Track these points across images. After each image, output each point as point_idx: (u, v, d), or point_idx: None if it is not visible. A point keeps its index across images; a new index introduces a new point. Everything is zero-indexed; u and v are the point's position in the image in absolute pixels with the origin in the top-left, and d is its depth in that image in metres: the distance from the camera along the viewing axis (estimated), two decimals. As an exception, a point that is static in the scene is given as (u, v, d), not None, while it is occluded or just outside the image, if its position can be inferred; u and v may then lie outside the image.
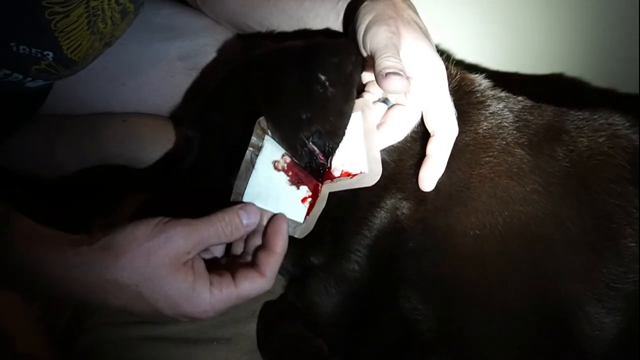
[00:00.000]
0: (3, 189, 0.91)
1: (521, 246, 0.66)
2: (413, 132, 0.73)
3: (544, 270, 0.65)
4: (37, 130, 0.96)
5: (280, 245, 0.63)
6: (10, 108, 0.88)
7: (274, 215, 0.65)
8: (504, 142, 0.71)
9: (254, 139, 0.66)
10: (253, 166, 0.66)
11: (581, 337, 0.63)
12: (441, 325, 0.65)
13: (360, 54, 0.70)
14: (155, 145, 0.91)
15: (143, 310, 0.59)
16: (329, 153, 0.65)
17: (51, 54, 0.74)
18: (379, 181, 0.68)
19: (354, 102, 0.67)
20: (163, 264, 0.57)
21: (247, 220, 0.62)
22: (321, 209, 0.66)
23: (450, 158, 0.69)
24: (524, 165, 0.69)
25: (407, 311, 0.66)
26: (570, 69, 1.16)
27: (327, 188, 0.67)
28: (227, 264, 0.66)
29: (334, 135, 0.65)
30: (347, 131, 0.66)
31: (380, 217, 0.69)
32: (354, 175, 0.67)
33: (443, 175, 0.69)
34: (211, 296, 0.60)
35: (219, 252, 0.67)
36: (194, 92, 0.95)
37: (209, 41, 0.96)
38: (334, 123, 0.65)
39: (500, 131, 0.72)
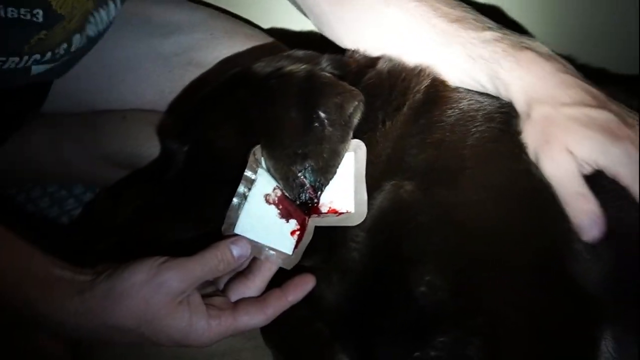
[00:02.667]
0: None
1: (517, 200, 0.68)
2: (411, 112, 0.74)
3: (539, 217, 0.68)
4: (41, 128, 0.99)
5: (295, 297, 0.67)
6: (13, 106, 0.90)
7: (304, 274, 0.69)
8: (485, 112, 0.73)
9: (247, 173, 0.69)
10: (245, 199, 0.68)
11: (574, 274, 0.65)
12: (451, 297, 0.66)
13: (363, 100, 0.72)
14: (154, 141, 0.93)
15: (147, 345, 0.64)
16: (319, 188, 0.68)
17: (40, 12, 0.74)
18: (374, 172, 0.71)
19: (349, 144, 0.70)
20: (161, 306, 0.61)
21: (238, 254, 0.65)
22: (308, 242, 0.69)
23: (444, 133, 0.72)
24: (505, 127, 0.72)
25: (414, 285, 0.67)
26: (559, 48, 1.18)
27: (313, 222, 0.69)
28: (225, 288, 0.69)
29: (325, 172, 0.68)
30: (338, 170, 0.69)
31: (381, 199, 0.71)
32: (341, 213, 0.70)
33: (442, 150, 0.71)
34: (209, 328, 0.63)
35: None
36: (190, 87, 0.97)
37: (205, 36, 0.98)
38: (327, 161, 0.68)
39: (480, 104, 0.75)
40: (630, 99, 0.74)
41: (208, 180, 0.76)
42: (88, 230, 0.96)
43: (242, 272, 0.69)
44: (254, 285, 0.67)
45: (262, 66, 0.78)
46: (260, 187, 0.68)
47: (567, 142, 0.65)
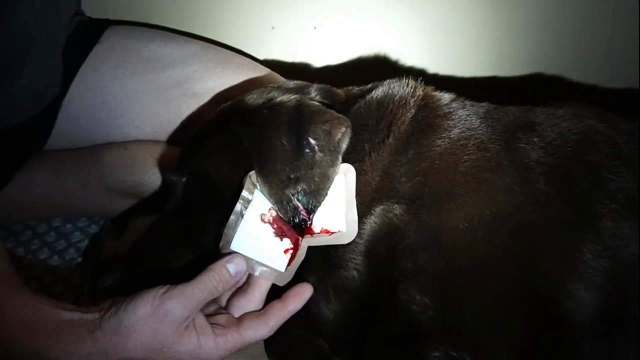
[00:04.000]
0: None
1: (507, 233, 0.71)
2: (398, 143, 0.77)
3: (529, 254, 0.70)
4: (43, 164, 1.02)
5: (295, 307, 0.71)
6: (16, 145, 0.94)
7: (301, 284, 0.72)
8: (478, 141, 0.76)
9: (244, 193, 0.72)
10: (242, 217, 0.71)
11: (565, 313, 0.67)
12: (439, 314, 0.69)
13: (350, 126, 0.76)
14: (155, 169, 0.97)
15: None
16: (311, 210, 0.71)
17: None
18: (364, 199, 0.74)
19: (338, 167, 0.73)
20: (168, 334, 0.64)
21: (234, 271, 0.69)
22: (300, 261, 0.72)
23: (434, 161, 0.75)
24: (500, 159, 0.75)
25: (406, 303, 0.70)
26: (549, 68, 1.20)
27: (306, 242, 0.72)
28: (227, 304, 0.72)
29: (317, 195, 0.71)
30: (329, 192, 0.72)
31: (370, 223, 0.74)
32: (333, 232, 0.73)
33: (431, 176, 0.74)
34: (217, 346, 0.66)
35: None
36: (188, 118, 1.00)
37: (199, 67, 1.01)
38: (318, 184, 0.72)
39: (472, 132, 0.77)
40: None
41: (205, 209, 0.79)
42: (94, 262, 0.99)
43: (242, 288, 0.72)
44: (254, 299, 0.70)
45: (254, 98, 0.82)
46: (257, 206, 0.72)
47: None
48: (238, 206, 0.72)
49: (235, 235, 0.70)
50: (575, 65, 1.20)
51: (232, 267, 0.68)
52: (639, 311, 0.67)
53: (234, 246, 0.70)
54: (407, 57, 1.20)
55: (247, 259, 0.70)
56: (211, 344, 0.66)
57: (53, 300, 0.65)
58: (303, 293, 0.71)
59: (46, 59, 0.91)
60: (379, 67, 1.19)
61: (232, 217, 0.71)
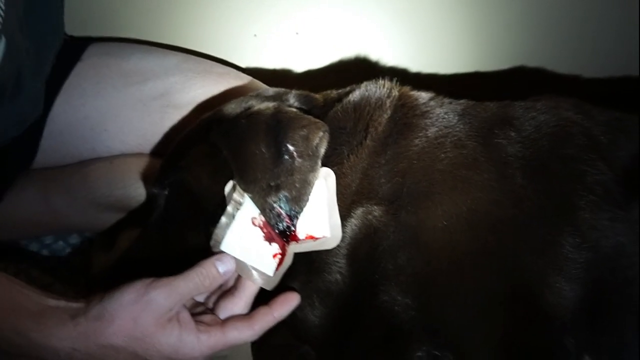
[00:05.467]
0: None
1: (486, 229, 0.71)
2: (376, 144, 0.78)
3: (508, 249, 0.70)
4: (30, 182, 1.03)
5: (281, 313, 0.70)
6: (3, 166, 0.94)
7: (289, 292, 0.72)
8: (455, 138, 0.76)
9: (235, 195, 0.72)
10: (233, 218, 0.71)
11: (547, 307, 0.67)
12: (420, 314, 0.69)
13: (327, 130, 0.76)
14: (140, 183, 0.97)
15: None
16: (294, 217, 0.71)
17: None
18: (344, 202, 0.75)
19: (318, 172, 0.73)
20: (149, 324, 0.64)
21: (223, 269, 0.69)
22: (287, 267, 0.73)
23: (411, 161, 0.75)
24: (477, 155, 0.75)
25: (387, 304, 0.71)
26: (531, 61, 1.21)
27: (292, 249, 0.73)
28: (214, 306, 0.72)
29: (299, 201, 0.71)
30: (311, 198, 0.72)
31: (351, 225, 0.74)
32: (318, 238, 0.73)
33: (409, 176, 0.74)
34: (199, 343, 0.66)
35: (201, 297, 0.74)
36: (171, 129, 1.01)
37: (179, 79, 1.02)
38: (299, 190, 0.71)
39: (449, 130, 0.77)
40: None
41: (188, 219, 0.79)
42: (84, 276, 0.99)
43: (229, 291, 0.72)
44: (241, 301, 0.70)
45: (232, 107, 0.82)
46: (248, 209, 0.71)
47: None
48: (229, 208, 0.72)
49: (226, 236, 0.70)
50: (556, 57, 1.20)
51: (220, 265, 0.68)
52: (621, 301, 0.67)
53: (224, 246, 0.70)
54: (389, 58, 1.20)
55: (237, 261, 0.70)
56: (192, 338, 0.66)
57: (41, 289, 0.66)
58: (290, 301, 0.72)
59: (33, 83, 0.92)
60: (361, 70, 1.19)
61: (223, 218, 0.71)
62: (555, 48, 1.19)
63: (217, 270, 0.68)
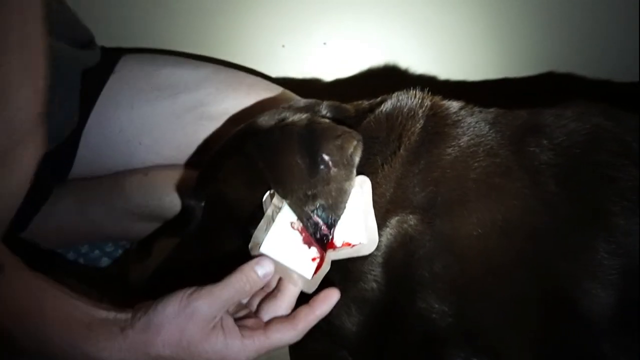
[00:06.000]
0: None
1: (520, 236, 0.72)
2: (409, 153, 0.79)
3: (543, 255, 0.71)
4: (68, 193, 1.05)
5: (323, 311, 0.71)
6: (39, 178, 0.97)
7: (329, 288, 0.72)
8: (487, 147, 0.77)
9: (275, 199, 0.74)
10: (273, 221, 0.72)
11: (583, 312, 0.68)
12: (457, 320, 0.70)
13: (361, 139, 0.77)
14: (175, 194, 1.00)
15: None
16: (331, 225, 0.72)
17: None
18: (379, 211, 0.76)
19: (354, 181, 0.74)
20: (194, 332, 0.65)
21: (262, 272, 0.69)
22: (325, 272, 0.73)
23: (445, 170, 0.76)
24: (510, 163, 0.76)
25: (424, 311, 0.72)
26: (560, 66, 1.21)
27: (330, 256, 0.74)
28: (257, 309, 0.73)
29: (335, 209, 0.72)
30: (347, 206, 0.73)
31: (386, 234, 0.75)
32: (354, 245, 0.74)
33: (443, 185, 0.75)
34: (244, 347, 0.67)
35: (243, 300, 0.74)
36: (205, 140, 1.03)
37: (211, 90, 1.04)
38: (336, 198, 0.72)
39: (481, 139, 0.78)
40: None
41: (225, 230, 0.81)
42: (122, 285, 1.02)
43: (271, 293, 0.73)
44: (284, 304, 0.71)
45: (266, 119, 0.84)
46: (287, 213, 0.72)
47: None
48: (269, 210, 0.73)
49: (266, 239, 0.71)
50: (585, 62, 1.20)
51: (260, 269, 0.69)
52: (657, 306, 0.68)
53: (263, 249, 0.71)
54: (417, 66, 1.21)
55: (276, 263, 0.71)
56: (238, 344, 0.67)
57: (90, 299, 0.67)
58: (330, 297, 0.72)
59: (68, 97, 0.95)
60: (390, 78, 1.20)
61: (262, 220, 0.73)
62: (585, 53, 1.19)
63: (256, 274, 0.69)
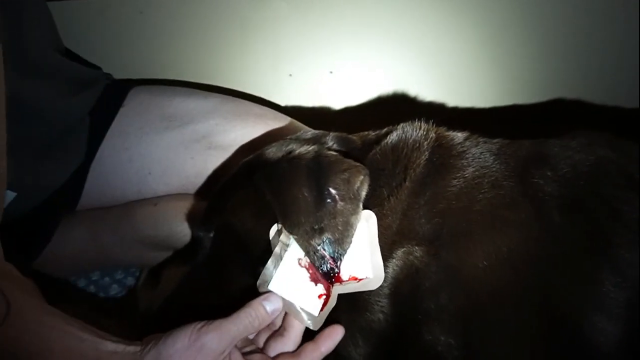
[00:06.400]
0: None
1: (526, 268, 0.72)
2: (415, 185, 0.79)
3: (549, 287, 0.71)
4: (79, 222, 1.07)
5: (328, 347, 0.73)
6: (48, 209, 0.99)
7: (334, 325, 0.74)
8: (492, 178, 0.78)
9: (282, 237, 0.74)
10: (281, 259, 0.73)
11: (589, 344, 0.68)
12: (464, 353, 0.71)
13: (368, 173, 0.78)
14: (184, 223, 1.00)
15: None
16: (338, 258, 0.73)
17: None
18: (385, 243, 0.76)
19: (360, 215, 0.75)
20: None
21: (271, 309, 0.71)
22: (331, 307, 0.74)
23: (450, 202, 0.77)
24: (514, 195, 0.76)
25: (430, 344, 0.72)
26: (569, 92, 1.22)
27: (337, 290, 0.75)
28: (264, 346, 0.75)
29: (342, 243, 0.73)
30: (353, 240, 0.74)
31: (393, 266, 0.76)
32: (361, 279, 0.75)
33: (448, 216, 0.76)
34: None
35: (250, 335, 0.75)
36: (214, 171, 1.04)
37: (219, 120, 1.05)
38: (342, 232, 0.73)
39: (486, 170, 0.79)
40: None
41: (233, 261, 0.82)
42: (132, 313, 1.02)
43: (277, 330, 0.74)
44: (290, 340, 0.73)
45: (274, 151, 0.85)
46: (295, 251, 0.73)
47: None
48: (277, 249, 0.74)
49: (274, 277, 0.72)
50: (594, 88, 1.20)
51: (268, 305, 0.70)
52: (663, 338, 0.68)
53: (271, 286, 0.71)
54: (425, 93, 1.22)
55: (284, 300, 0.72)
56: None
57: (99, 331, 0.68)
58: (335, 334, 0.73)
59: (78, 133, 0.97)
60: (397, 106, 1.21)
61: (271, 258, 0.73)
62: (593, 79, 1.20)
63: (265, 310, 0.70)
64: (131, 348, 0.67)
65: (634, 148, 0.80)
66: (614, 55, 1.18)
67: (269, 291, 0.72)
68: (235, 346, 0.70)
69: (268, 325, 0.73)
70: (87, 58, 1.12)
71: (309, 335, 0.74)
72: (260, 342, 0.75)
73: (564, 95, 1.21)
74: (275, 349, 0.73)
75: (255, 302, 0.70)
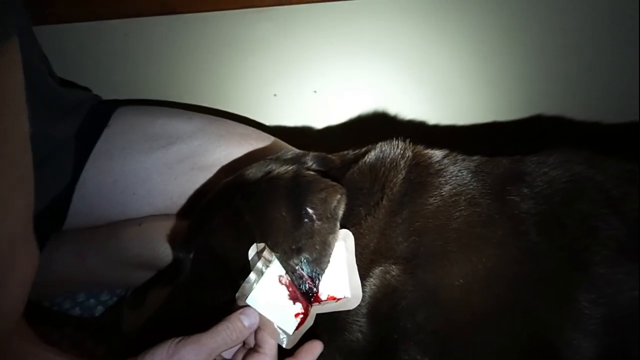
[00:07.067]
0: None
1: (502, 286, 0.72)
2: (392, 204, 0.80)
3: (525, 305, 0.71)
4: (64, 243, 1.07)
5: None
6: (35, 229, 0.98)
7: (312, 340, 0.74)
8: (469, 196, 0.78)
9: (266, 252, 0.75)
10: (262, 274, 0.73)
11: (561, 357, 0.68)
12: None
13: (345, 193, 0.78)
14: (167, 244, 1.00)
15: None
16: (316, 278, 0.74)
17: None
18: (363, 262, 0.77)
19: (337, 234, 0.76)
20: None
21: (248, 323, 0.71)
22: (308, 327, 0.74)
23: (427, 220, 0.77)
24: (491, 212, 0.76)
25: (408, 361, 0.72)
26: (548, 109, 1.22)
27: (315, 310, 0.75)
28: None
29: (320, 262, 0.74)
30: (331, 259, 0.74)
31: (370, 285, 0.76)
32: (339, 299, 0.75)
33: (425, 235, 0.76)
34: None
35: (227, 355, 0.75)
36: (197, 191, 1.04)
37: (203, 141, 1.05)
38: (320, 252, 0.74)
39: (463, 188, 0.79)
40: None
41: (213, 281, 0.82)
42: (116, 333, 1.02)
43: (253, 348, 0.74)
44: (266, 356, 0.72)
45: (253, 172, 0.85)
46: (276, 267, 0.74)
47: None
48: (259, 263, 0.74)
49: (253, 290, 0.72)
50: (574, 104, 1.21)
51: (246, 319, 0.70)
52: (638, 356, 0.68)
53: (249, 300, 0.72)
54: (407, 111, 1.23)
55: (260, 315, 0.72)
56: None
57: (76, 358, 0.69)
58: (314, 349, 0.74)
59: (63, 155, 0.97)
60: (379, 124, 1.22)
61: (252, 273, 0.74)
62: (573, 95, 1.20)
63: (242, 323, 0.70)
64: None
65: (612, 164, 0.81)
66: (594, 72, 1.19)
67: (247, 305, 0.72)
68: None
69: (243, 344, 0.73)
70: (75, 80, 1.13)
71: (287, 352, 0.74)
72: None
73: (545, 112, 1.22)
74: None
75: (233, 316, 0.70)
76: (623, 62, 1.16)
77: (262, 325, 0.73)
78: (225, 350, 0.71)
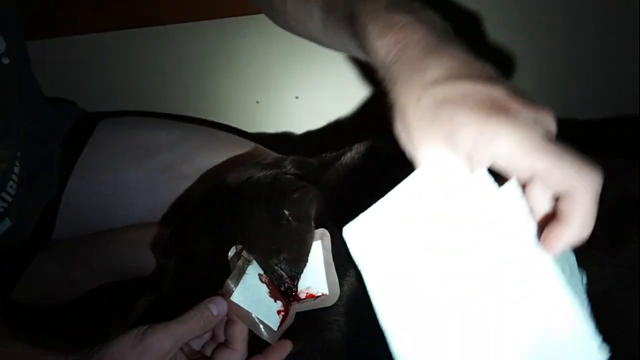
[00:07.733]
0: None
1: None
2: None
3: None
4: (49, 257, 1.07)
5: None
6: (20, 245, 1.00)
7: (282, 340, 0.75)
8: None
9: (245, 253, 0.76)
10: (244, 272, 0.74)
11: None
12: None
13: (317, 194, 0.79)
14: (152, 252, 1.01)
15: None
16: (295, 277, 0.74)
17: None
18: (339, 263, 0.77)
19: (314, 233, 0.76)
20: None
21: (216, 311, 0.71)
22: (289, 325, 0.75)
23: None
24: None
25: (385, 357, 0.72)
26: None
27: (294, 309, 0.76)
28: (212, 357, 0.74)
29: (298, 261, 0.75)
30: (309, 258, 0.75)
31: (347, 284, 0.77)
32: (317, 296, 0.76)
33: None
34: None
35: (197, 346, 0.76)
36: (179, 199, 1.06)
37: (185, 150, 1.07)
38: (298, 251, 0.75)
39: None
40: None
41: (195, 286, 0.82)
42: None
43: (223, 343, 0.74)
44: (236, 350, 0.72)
45: (234, 177, 0.86)
46: (257, 266, 0.75)
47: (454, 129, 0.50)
48: (241, 262, 0.75)
49: (237, 288, 0.73)
50: (575, 104, 1.23)
51: (214, 308, 0.70)
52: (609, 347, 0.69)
53: (234, 297, 0.73)
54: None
55: (246, 312, 0.73)
56: None
57: (43, 349, 0.69)
58: (284, 348, 0.74)
59: (49, 167, 0.99)
60: (359, 128, 1.23)
61: (235, 270, 0.74)
62: (573, 95, 1.23)
63: (210, 312, 0.70)
64: (74, 357, 0.67)
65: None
66: (598, 75, 1.21)
67: (231, 302, 0.73)
68: (182, 350, 0.70)
69: (213, 337, 0.74)
70: (59, 94, 1.15)
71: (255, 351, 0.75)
72: (208, 352, 0.75)
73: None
74: (223, 359, 0.72)
75: (202, 305, 0.70)
76: (623, 62, 1.19)
77: (241, 317, 0.73)
78: (193, 338, 0.71)
